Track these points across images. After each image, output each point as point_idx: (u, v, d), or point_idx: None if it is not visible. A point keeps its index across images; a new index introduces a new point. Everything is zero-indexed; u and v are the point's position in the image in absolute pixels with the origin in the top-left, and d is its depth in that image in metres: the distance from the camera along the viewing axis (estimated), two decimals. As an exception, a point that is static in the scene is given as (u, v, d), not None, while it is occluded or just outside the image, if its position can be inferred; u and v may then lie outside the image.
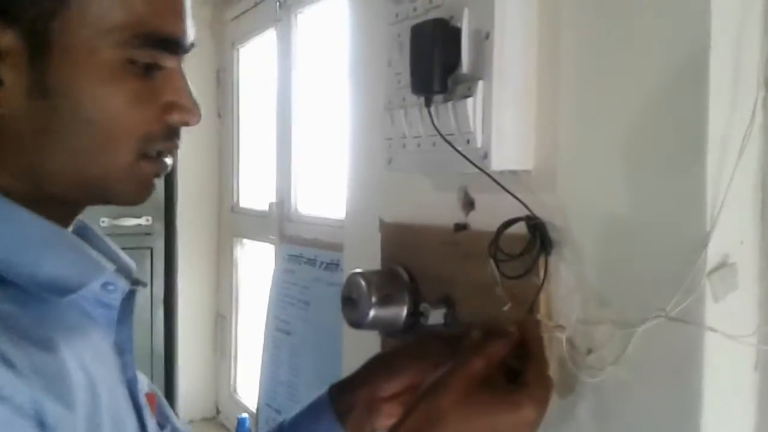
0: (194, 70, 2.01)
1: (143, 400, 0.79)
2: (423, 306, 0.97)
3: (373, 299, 1.02)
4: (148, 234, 2.28)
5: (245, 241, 2.22)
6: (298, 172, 1.84)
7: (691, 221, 0.68)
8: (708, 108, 0.67)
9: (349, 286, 1.06)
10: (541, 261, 0.82)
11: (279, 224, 1.85)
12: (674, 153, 0.70)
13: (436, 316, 0.97)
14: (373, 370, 0.88)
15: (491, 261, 0.86)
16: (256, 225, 2.03)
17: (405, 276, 1.05)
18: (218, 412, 2.37)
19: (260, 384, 1.80)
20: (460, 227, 0.97)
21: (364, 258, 1.20)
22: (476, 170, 0.87)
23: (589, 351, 0.79)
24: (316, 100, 1.81)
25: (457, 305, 0.97)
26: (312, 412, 0.91)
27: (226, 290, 2.28)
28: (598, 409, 0.79)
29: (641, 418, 0.74)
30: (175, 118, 0.70)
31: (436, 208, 1.04)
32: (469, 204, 0.98)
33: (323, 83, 1.78)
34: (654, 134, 0.72)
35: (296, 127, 1.84)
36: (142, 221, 2.26)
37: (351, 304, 1.04)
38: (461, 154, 0.86)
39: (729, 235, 0.66)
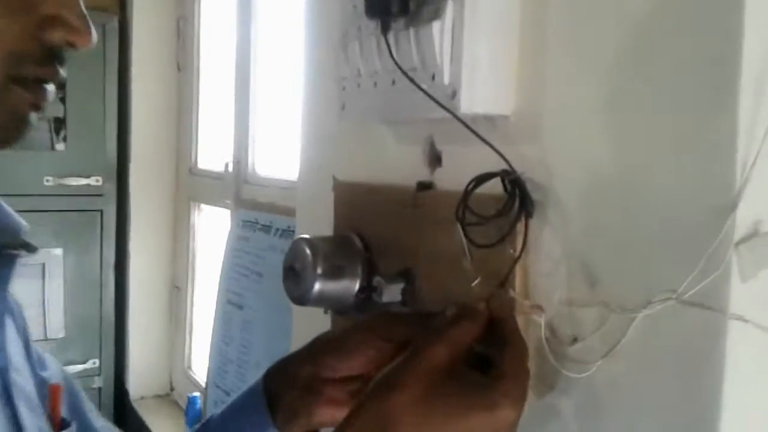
0: (154, 19, 1.83)
1: (28, 392, 0.64)
2: (377, 280, 0.81)
3: (319, 270, 0.85)
4: (98, 195, 2.09)
5: (203, 206, 2.04)
6: (257, 130, 1.66)
7: (714, 178, 0.52)
8: (742, 29, 0.50)
9: (291, 254, 0.90)
10: (520, 226, 0.66)
11: (235, 186, 1.68)
12: (694, 89, 0.54)
13: (391, 293, 0.80)
14: (320, 346, 0.70)
15: (458, 226, 0.70)
16: (214, 188, 1.85)
17: (358, 244, 0.89)
18: (172, 389, 2.21)
19: (209, 362, 1.64)
20: (424, 186, 0.81)
21: (318, 223, 1.04)
22: (443, 115, 0.71)
23: (575, 339, 0.63)
24: (277, 51, 1.63)
25: (417, 280, 0.80)
26: (241, 402, 0.75)
27: (182, 259, 2.11)
28: (583, 412, 0.63)
29: (639, 426, 0.58)
30: (56, 35, 0.54)
31: (397, 164, 0.88)
32: (435, 159, 0.81)
33: (285, 32, 1.60)
34: (667, 66, 0.56)
35: (255, 80, 1.66)
36: (91, 181, 2.07)
37: (293, 276, 0.88)
38: (425, 92, 0.69)
39: (765, 194, 0.51)
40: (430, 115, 0.72)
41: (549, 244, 0.65)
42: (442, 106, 0.68)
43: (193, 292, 2.09)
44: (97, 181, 2.08)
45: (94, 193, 2.08)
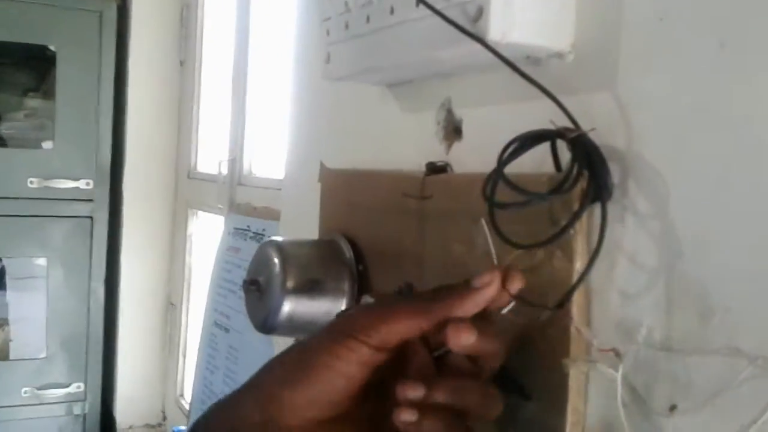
0: (157, 6, 1.61)
1: None
2: (365, 301, 0.57)
3: (290, 285, 0.61)
4: (88, 200, 1.87)
5: (202, 213, 1.82)
6: (255, 127, 1.44)
7: None
8: None
9: (255, 263, 0.66)
10: (582, 223, 0.41)
11: (229, 188, 1.46)
12: None
13: (387, 319, 0.56)
14: (272, 374, 0.43)
15: (483, 219, 0.46)
16: (210, 192, 1.63)
17: (347, 251, 0.65)
18: (165, 418, 1.98)
19: (192, 392, 1.40)
20: (436, 169, 0.57)
21: (305, 224, 0.81)
22: (463, 58, 0.48)
23: (673, 407, 0.38)
24: (276, 44, 1.41)
25: (423, 301, 0.56)
26: None
27: (179, 273, 1.89)
28: None
29: None
30: None
31: (402, 141, 0.64)
32: (453, 130, 0.57)
33: (284, 25, 1.38)
34: None
35: (254, 73, 1.44)
36: (81, 184, 1.86)
37: (256, 291, 0.64)
38: (433, 9, 0.45)
39: None
40: (443, 53, 0.48)
41: (633, 245, 0.40)
42: (461, 29, 0.43)
43: (189, 309, 1.87)
44: (88, 184, 1.87)
45: (83, 198, 1.87)
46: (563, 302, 0.41)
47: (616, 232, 0.41)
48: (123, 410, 1.95)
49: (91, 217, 1.89)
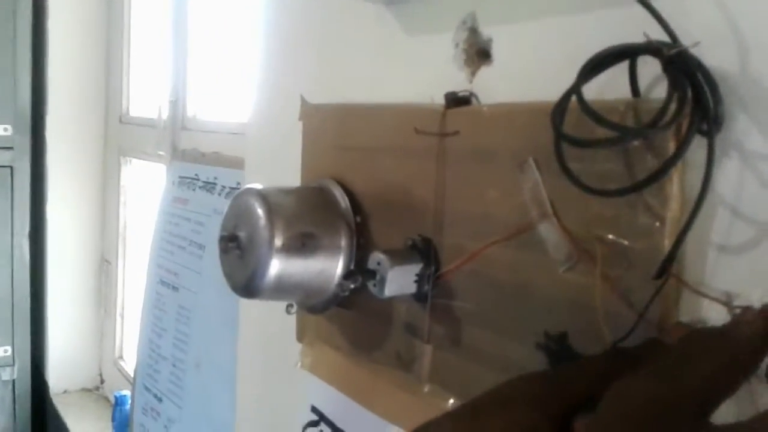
0: None
1: None
2: (375, 258, 0.48)
3: (278, 242, 0.52)
4: (7, 148, 1.70)
5: (137, 162, 1.68)
6: (198, 63, 1.30)
7: None
8: None
9: (233, 215, 0.56)
10: (679, 167, 0.33)
11: (171, 133, 1.32)
12: None
13: (399, 280, 0.48)
14: None
15: (531, 158, 0.37)
16: (148, 139, 1.49)
17: (342, 200, 0.56)
18: (102, 381, 1.85)
19: (137, 357, 1.29)
20: (459, 101, 0.48)
21: (278, 171, 0.71)
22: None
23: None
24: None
25: (443, 257, 0.48)
26: None
27: (113, 227, 1.75)
28: None
29: None
30: None
31: (407, 70, 0.54)
32: (477, 53, 0.48)
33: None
34: None
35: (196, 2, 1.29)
36: (-1, 131, 1.68)
37: (236, 249, 0.54)
38: None
39: None
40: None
41: (737, 191, 0.33)
42: None
43: (125, 266, 1.73)
44: (6, 130, 1.69)
45: (1, 145, 1.69)
46: (664, 270, 0.33)
47: (724, 173, 0.33)
48: (56, 374, 1.82)
49: (11, 167, 1.72)
